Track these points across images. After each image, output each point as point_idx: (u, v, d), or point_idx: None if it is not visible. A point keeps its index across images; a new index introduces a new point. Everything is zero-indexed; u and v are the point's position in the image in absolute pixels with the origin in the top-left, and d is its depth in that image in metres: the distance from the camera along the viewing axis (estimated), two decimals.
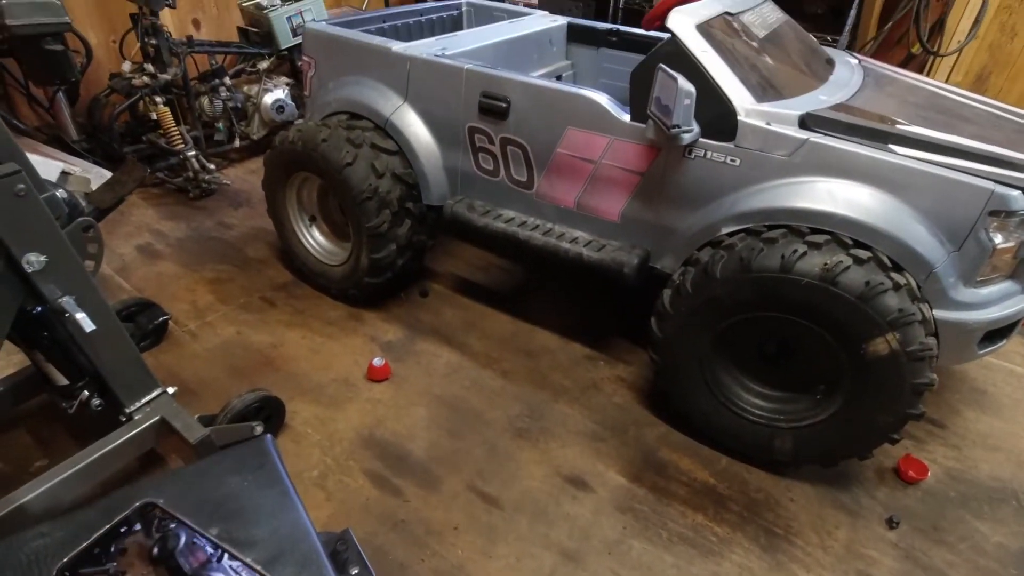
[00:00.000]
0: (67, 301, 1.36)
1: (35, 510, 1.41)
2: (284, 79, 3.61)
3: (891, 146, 1.57)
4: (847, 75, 1.99)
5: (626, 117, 1.80)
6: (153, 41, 2.98)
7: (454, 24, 3.07)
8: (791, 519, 1.71)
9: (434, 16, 2.97)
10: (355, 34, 2.30)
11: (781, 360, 1.75)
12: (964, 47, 3.37)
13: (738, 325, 1.67)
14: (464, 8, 3.11)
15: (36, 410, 1.83)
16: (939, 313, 1.59)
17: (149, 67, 2.99)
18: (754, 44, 1.81)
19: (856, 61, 2.20)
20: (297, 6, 3.45)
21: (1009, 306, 1.63)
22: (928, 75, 3.57)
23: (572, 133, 1.90)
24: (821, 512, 1.74)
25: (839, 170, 1.57)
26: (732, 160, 1.68)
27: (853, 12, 3.31)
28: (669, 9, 2.28)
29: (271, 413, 1.79)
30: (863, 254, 1.50)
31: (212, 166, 3.19)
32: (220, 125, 3.40)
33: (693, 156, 1.72)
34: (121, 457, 1.57)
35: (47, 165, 2.55)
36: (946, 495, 1.81)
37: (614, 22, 4.08)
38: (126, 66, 2.99)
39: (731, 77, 1.66)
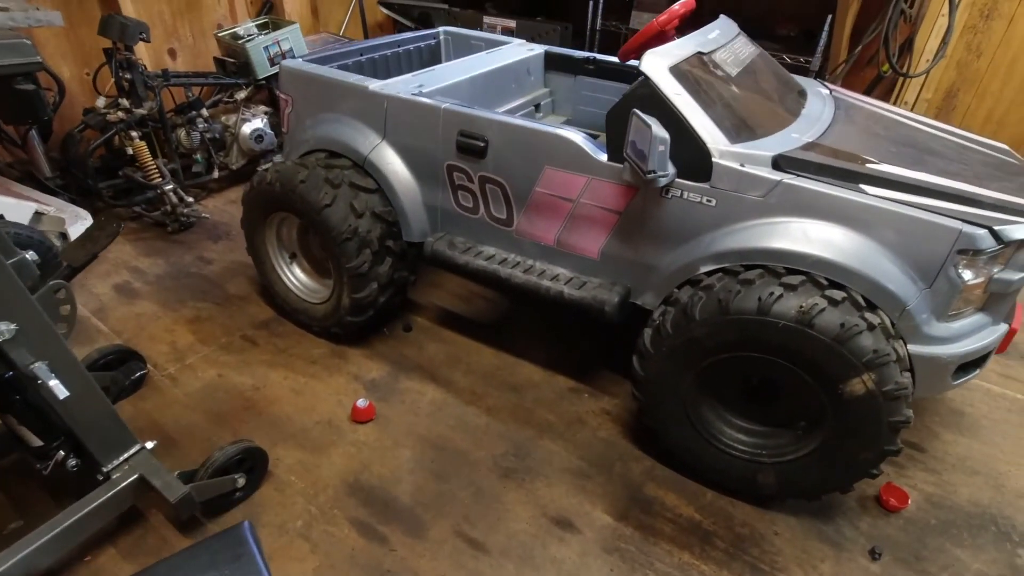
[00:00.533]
0: (39, 367, 1.34)
1: None
2: (262, 108, 3.59)
3: (862, 186, 1.60)
4: (819, 108, 2.02)
5: (603, 157, 1.82)
6: (128, 76, 2.96)
7: (431, 55, 3.08)
8: (776, 554, 1.72)
9: (411, 47, 2.97)
10: (332, 72, 2.29)
11: (763, 396, 1.77)
12: (932, 67, 3.44)
13: (719, 363, 1.69)
14: (442, 37, 3.12)
15: (8, 467, 1.79)
16: (913, 348, 1.61)
17: (124, 102, 2.96)
18: (728, 82, 1.84)
19: (827, 91, 2.24)
20: (274, 35, 3.43)
21: (981, 338, 1.66)
22: (899, 94, 3.65)
23: (550, 172, 1.91)
24: (805, 545, 1.75)
25: (812, 211, 1.60)
26: (708, 200, 1.70)
27: (824, 35, 3.37)
28: (643, 43, 2.31)
29: (253, 464, 1.77)
30: (838, 295, 1.53)
31: (191, 199, 3.16)
32: (199, 156, 3.37)
33: (670, 196, 1.74)
34: (99, 518, 1.54)
35: (20, 207, 2.50)
36: (927, 523, 1.84)
37: (591, 46, 4.13)
38: (100, 102, 2.95)
39: (705, 119, 1.68)
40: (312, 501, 1.79)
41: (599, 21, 4.06)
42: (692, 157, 1.67)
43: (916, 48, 3.58)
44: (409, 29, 4.72)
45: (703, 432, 1.81)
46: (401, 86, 2.18)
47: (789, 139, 1.74)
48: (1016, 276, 1.61)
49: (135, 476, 1.56)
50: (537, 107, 2.88)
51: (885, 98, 3.63)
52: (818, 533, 1.78)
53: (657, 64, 1.72)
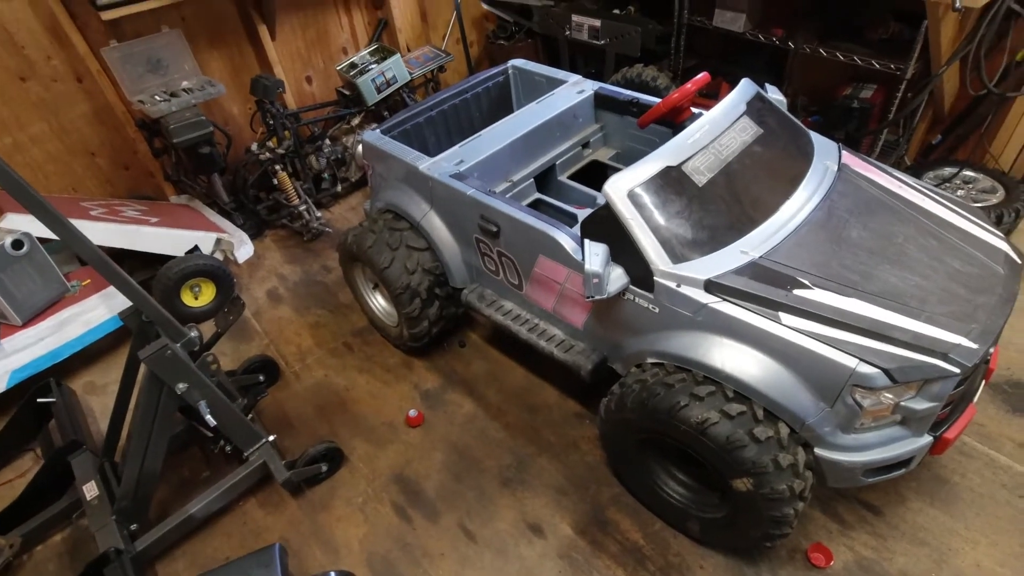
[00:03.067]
0: (201, 405, 2.24)
1: (198, 516, 2.41)
2: (373, 125, 4.28)
3: (780, 314, 1.82)
4: (800, 202, 2.14)
5: (580, 256, 2.20)
6: (271, 121, 3.82)
7: (501, 93, 3.47)
8: None
9: (480, 89, 3.39)
10: (396, 148, 2.84)
11: (694, 461, 2.15)
12: None
13: (653, 436, 2.10)
14: (510, 72, 3.48)
15: (201, 441, 2.86)
16: (820, 451, 1.88)
17: (270, 143, 3.85)
18: (691, 195, 2.06)
19: (834, 167, 2.29)
20: (379, 68, 4.04)
21: (892, 449, 1.85)
22: None
23: (542, 259, 2.35)
24: None
25: (731, 332, 1.88)
26: (653, 308, 2.04)
27: (920, 39, 3.06)
28: (660, 115, 2.54)
29: (334, 456, 2.63)
30: (736, 409, 1.84)
31: (319, 214, 4.05)
32: (326, 175, 4.22)
33: (626, 297, 2.11)
34: (244, 484, 2.51)
35: (207, 238, 3.55)
36: None
37: (678, 41, 4.10)
38: (254, 146, 3.86)
39: (652, 241, 1.98)
40: (370, 484, 2.62)
41: (685, 15, 4.00)
42: (641, 271, 2.01)
43: None
44: (508, 22, 5.00)
45: (648, 477, 2.26)
46: (444, 164, 2.68)
47: (734, 257, 1.97)
48: (924, 405, 1.76)
49: (261, 462, 2.49)
50: (586, 146, 3.18)
51: (1016, 88, 3.21)
52: (739, 574, 2.18)
53: (618, 189, 2.02)
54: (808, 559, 2.19)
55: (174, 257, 3.33)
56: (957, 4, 2.57)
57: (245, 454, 2.51)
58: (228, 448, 2.55)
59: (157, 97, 3.46)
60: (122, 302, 2.25)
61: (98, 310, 3.12)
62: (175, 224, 3.48)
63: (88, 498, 2.36)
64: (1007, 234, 3.31)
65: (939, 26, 2.88)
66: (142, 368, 2.16)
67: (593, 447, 2.64)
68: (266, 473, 2.52)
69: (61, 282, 3.15)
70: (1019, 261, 2.01)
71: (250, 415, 2.65)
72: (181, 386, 2.16)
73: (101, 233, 3.11)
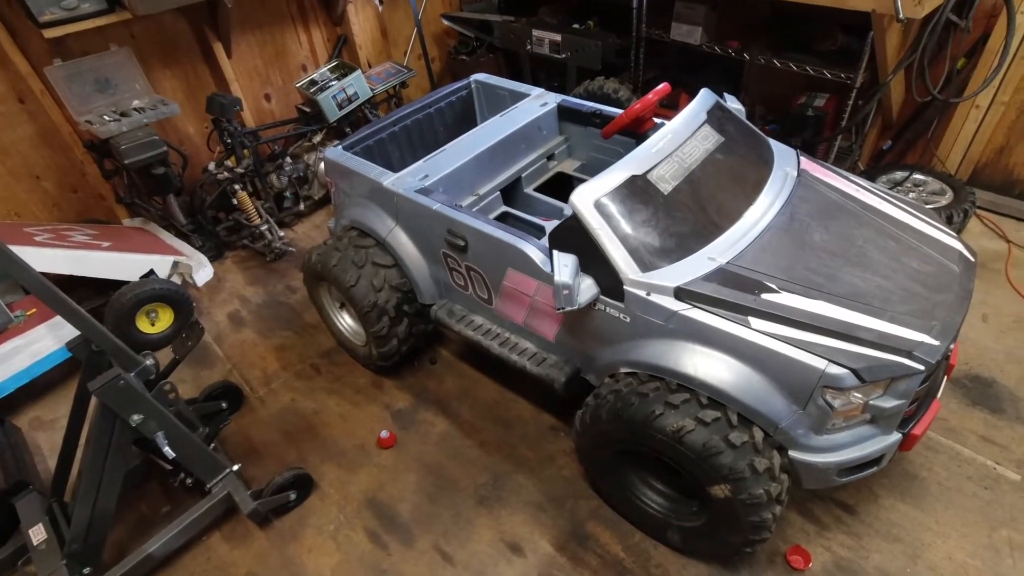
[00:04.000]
0: (159, 436, 2.13)
1: (157, 555, 2.27)
2: (335, 142, 4.22)
3: (750, 319, 1.83)
4: (763, 208, 2.17)
5: (549, 268, 2.18)
6: (228, 140, 3.72)
7: (465, 107, 3.46)
8: None
9: (444, 104, 3.38)
10: (359, 165, 2.79)
11: (672, 469, 2.14)
12: (980, 91, 3.13)
13: (629, 447, 2.08)
14: (474, 86, 3.47)
15: (159, 479, 2.72)
16: (794, 454, 1.89)
17: (228, 162, 3.75)
18: (657, 203, 2.07)
19: (793, 173, 2.33)
20: (340, 84, 3.99)
21: (863, 448, 1.87)
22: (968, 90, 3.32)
23: (511, 272, 2.32)
24: None
25: (702, 339, 1.88)
26: (624, 317, 2.03)
27: (867, 50, 3.18)
28: (623, 126, 2.55)
29: (303, 484, 2.53)
30: (711, 415, 1.83)
31: (282, 233, 3.95)
32: (288, 193, 4.13)
33: (597, 308, 2.09)
34: (207, 517, 2.38)
35: (163, 261, 3.41)
36: None
37: (637, 54, 4.18)
38: (211, 165, 3.75)
39: (620, 250, 1.98)
40: (342, 510, 2.53)
41: (644, 29, 4.07)
42: (611, 281, 2.00)
43: (989, 48, 3.26)
44: (469, 38, 5.02)
45: (627, 488, 2.24)
46: (408, 179, 2.64)
47: (701, 264, 1.98)
48: (892, 403, 1.79)
49: (224, 493, 2.38)
50: (550, 158, 3.19)
51: (958, 94, 3.35)
52: None
53: (585, 199, 2.02)
54: (787, 562, 2.19)
55: (128, 282, 3.19)
56: (900, 16, 2.68)
57: (208, 486, 2.39)
58: (189, 480, 2.42)
59: (106, 117, 3.33)
60: (71, 332, 2.13)
61: (45, 341, 2.95)
62: (128, 248, 3.34)
63: (35, 542, 2.20)
64: (957, 233, 3.44)
65: (884, 37, 2.99)
66: (93, 400, 2.04)
67: (570, 460, 2.61)
68: (231, 505, 2.40)
69: (4, 312, 2.96)
70: (972, 259, 2.08)
71: (212, 444, 2.53)
72: (136, 418, 2.05)
73: (47, 260, 2.96)
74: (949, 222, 3.32)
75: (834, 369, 1.71)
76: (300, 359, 3.25)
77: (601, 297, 2.05)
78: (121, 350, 2.05)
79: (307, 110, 4.08)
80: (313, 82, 4.10)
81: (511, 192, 3.03)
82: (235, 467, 2.45)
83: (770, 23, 3.77)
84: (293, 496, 2.49)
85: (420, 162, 2.76)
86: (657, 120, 2.70)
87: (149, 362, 2.16)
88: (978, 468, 2.43)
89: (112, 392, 1.95)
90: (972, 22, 3.07)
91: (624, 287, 1.97)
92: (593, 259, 2.00)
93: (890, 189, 3.53)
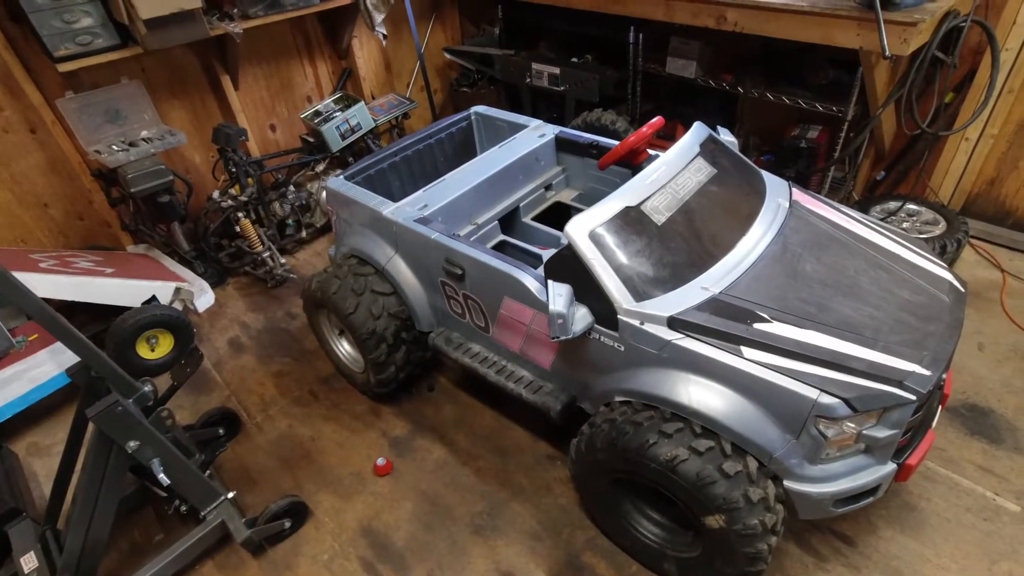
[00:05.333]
0: (154, 463, 2.13)
1: None
2: (337, 171, 4.30)
3: (742, 348, 1.85)
4: (755, 239, 2.21)
5: (544, 297, 2.21)
6: (233, 169, 3.80)
7: (464, 138, 3.54)
8: None
9: (444, 135, 3.45)
10: (359, 194, 2.85)
11: (667, 499, 2.13)
12: (968, 126, 3.20)
13: (623, 476, 2.08)
14: (473, 118, 3.56)
15: (155, 501, 2.71)
16: (789, 484, 1.88)
17: (232, 191, 3.82)
18: (651, 233, 2.11)
19: (785, 204, 2.38)
20: (344, 115, 4.08)
21: (859, 478, 1.87)
22: (956, 124, 3.38)
23: (508, 301, 2.35)
24: None
25: (695, 368, 1.90)
26: (619, 346, 2.05)
27: (858, 83, 3.26)
28: (618, 158, 2.61)
29: (297, 512, 2.52)
30: (704, 445, 1.84)
31: (283, 260, 3.99)
32: (290, 221, 4.19)
33: (592, 336, 2.11)
34: (201, 545, 2.37)
35: (165, 287, 3.45)
36: None
37: (634, 88, 4.27)
38: (215, 194, 3.82)
39: (615, 279, 2.01)
40: (336, 539, 2.51)
41: (640, 63, 4.18)
42: (605, 310, 2.03)
43: (976, 84, 3.34)
44: (471, 71, 5.15)
45: (623, 518, 2.22)
46: (407, 209, 2.69)
47: (694, 294, 2.01)
48: (885, 433, 1.80)
49: (219, 520, 2.36)
50: (548, 188, 3.24)
51: (948, 127, 3.42)
52: None
53: (580, 230, 2.06)
54: None
55: (130, 308, 3.22)
56: (887, 53, 2.76)
57: (202, 513, 2.38)
58: (184, 508, 2.42)
59: (115, 147, 3.41)
60: (71, 358, 2.15)
61: (45, 366, 2.97)
62: (131, 274, 3.38)
63: (26, 571, 2.19)
64: (950, 263, 3.47)
65: (873, 72, 3.08)
66: (90, 426, 2.05)
67: (566, 489, 2.59)
68: (225, 533, 2.39)
69: (6, 337, 2.99)
70: (962, 289, 2.11)
71: (208, 471, 2.53)
72: (132, 444, 2.06)
73: (50, 286, 3.00)
74: (943, 252, 3.35)
75: (826, 399, 1.72)
76: (298, 385, 3.25)
77: (596, 326, 2.08)
78: (120, 376, 2.07)
79: (311, 140, 4.16)
80: (318, 113, 4.19)
81: (509, 221, 3.07)
82: (230, 494, 2.44)
83: (762, 57, 3.87)
84: (288, 524, 2.47)
85: (420, 192, 2.82)
86: (652, 152, 2.76)
87: (147, 388, 2.18)
88: (977, 499, 2.41)
89: (109, 418, 1.96)
90: (958, 59, 3.16)
91: (618, 316, 2.00)
92: (588, 288, 2.03)
93: (884, 219, 3.58)
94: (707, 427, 1.88)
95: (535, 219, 3.11)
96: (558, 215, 3.17)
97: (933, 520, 2.36)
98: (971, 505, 2.39)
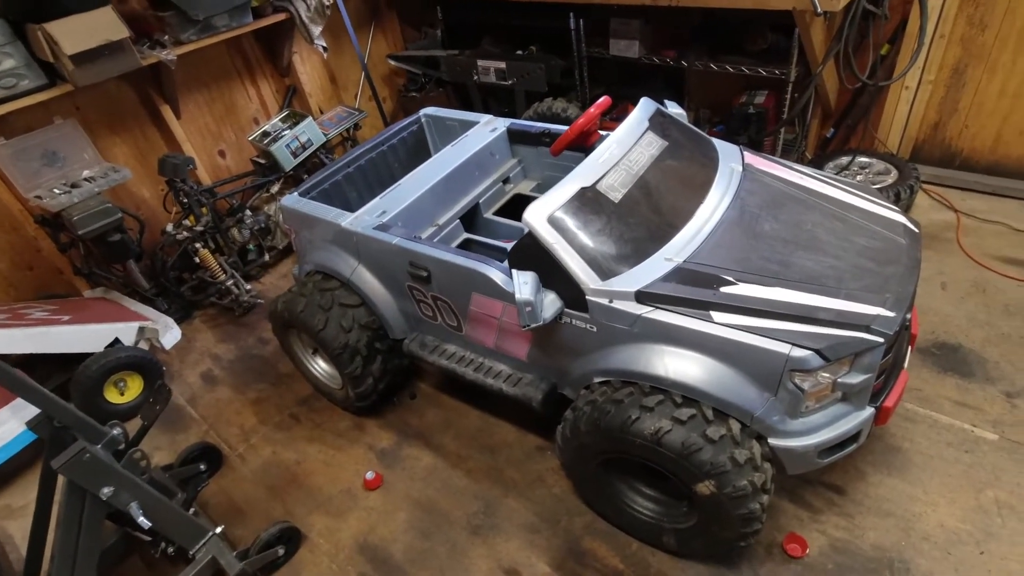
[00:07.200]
0: (133, 507, 2.06)
1: None
2: (292, 189, 4.22)
3: (711, 313, 1.86)
4: (713, 205, 2.22)
5: (512, 288, 2.19)
6: (184, 199, 3.70)
7: (417, 142, 3.50)
8: None
9: (396, 140, 3.41)
10: (316, 209, 2.79)
11: (658, 474, 2.13)
12: (904, 74, 3.28)
13: (612, 456, 2.08)
14: (423, 120, 3.52)
15: (141, 547, 2.62)
16: (774, 441, 1.90)
17: (186, 222, 3.72)
18: (609, 211, 2.11)
19: (738, 168, 2.40)
20: (292, 133, 4.01)
21: (840, 426, 1.90)
22: (895, 73, 3.45)
23: (476, 297, 2.33)
24: None
25: (668, 338, 1.90)
26: (591, 327, 2.04)
27: (796, 45, 3.31)
28: (569, 142, 2.61)
29: (291, 537, 2.46)
30: (686, 413, 1.85)
31: (248, 286, 3.91)
32: (251, 246, 4.10)
33: (563, 321, 2.11)
34: None
35: (128, 329, 3.34)
36: (824, 568, 2.13)
37: (581, 74, 4.29)
38: (169, 227, 3.72)
39: (578, 261, 2.00)
40: (334, 560, 2.46)
41: (584, 48, 4.19)
42: (572, 293, 2.02)
43: (908, 32, 3.42)
44: (417, 75, 5.11)
45: (617, 498, 2.22)
46: (366, 217, 2.65)
47: (659, 266, 2.01)
48: (859, 378, 1.82)
49: (209, 557, 2.30)
50: (506, 182, 3.23)
51: (887, 78, 3.49)
52: None
53: (538, 216, 2.04)
54: (785, 551, 2.18)
55: (92, 354, 3.12)
56: (818, 10, 2.81)
57: (191, 552, 2.30)
58: (171, 549, 2.34)
59: (56, 190, 3.29)
60: (34, 411, 2.06)
61: (8, 424, 2.85)
62: (90, 319, 3.27)
63: None
64: (906, 209, 3.56)
65: (809, 32, 3.13)
66: (61, 479, 1.97)
67: (559, 478, 2.58)
68: (217, 569, 2.32)
69: None
70: (916, 230, 2.15)
71: (192, 509, 2.46)
72: (106, 490, 1.98)
73: (4, 341, 2.88)
74: (897, 199, 3.43)
75: (798, 352, 1.74)
76: (278, 410, 3.19)
77: (566, 310, 2.07)
78: (85, 423, 1.99)
79: (262, 161, 4.08)
80: (266, 133, 4.11)
81: (472, 218, 3.05)
82: (218, 529, 2.37)
83: (702, 30, 3.91)
84: (281, 551, 2.41)
85: (376, 199, 2.77)
86: (603, 132, 2.76)
87: (116, 431, 2.10)
88: (956, 433, 2.47)
89: (78, 467, 1.88)
90: (888, 9, 3.23)
91: (586, 297, 1.99)
92: (553, 274, 2.02)
93: (837, 173, 3.65)
94: (687, 396, 1.88)
95: (496, 214, 3.10)
96: (519, 207, 3.15)
97: (917, 459, 2.40)
98: (951, 440, 2.45)
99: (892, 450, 2.45)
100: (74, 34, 3.02)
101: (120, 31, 3.14)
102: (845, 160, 3.72)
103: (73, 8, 3.04)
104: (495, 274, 2.22)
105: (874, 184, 3.57)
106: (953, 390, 2.63)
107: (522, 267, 2.05)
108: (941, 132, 3.77)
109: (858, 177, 3.69)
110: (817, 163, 3.77)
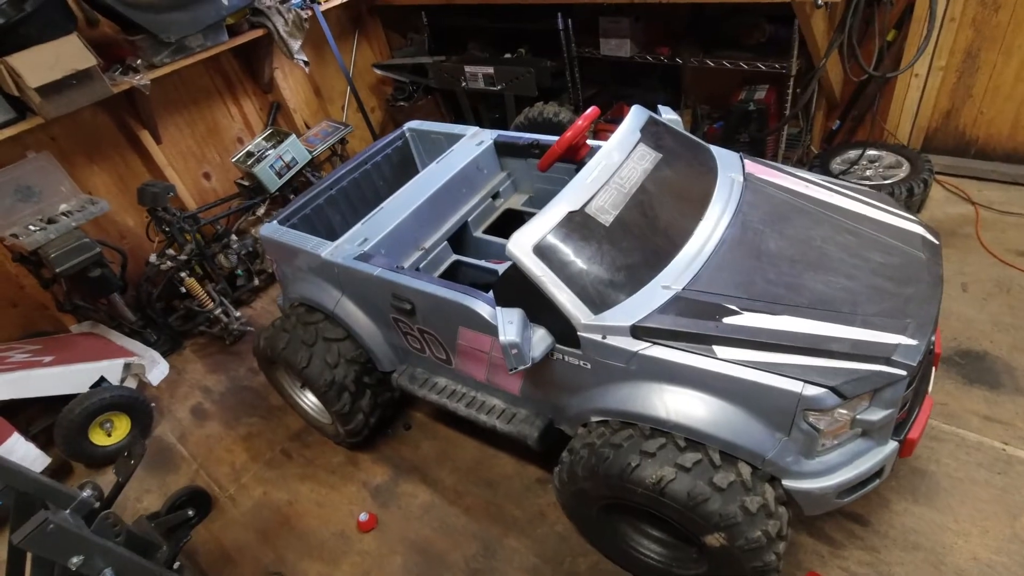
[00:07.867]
0: (107, 573, 1.94)
1: None
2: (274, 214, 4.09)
3: (714, 347, 1.71)
4: (713, 221, 2.06)
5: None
6: (166, 228, 3.58)
7: (402, 157, 3.35)
8: None
9: (380, 158, 3.27)
10: (295, 239, 2.65)
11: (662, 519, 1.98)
12: (911, 65, 3.08)
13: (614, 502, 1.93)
14: (408, 134, 3.37)
15: None
16: (788, 483, 1.74)
17: (170, 251, 3.60)
18: (600, 236, 1.95)
19: (739, 178, 2.23)
20: (276, 152, 3.88)
21: (860, 464, 1.74)
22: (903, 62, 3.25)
23: (464, 331, 2.18)
24: None
25: (668, 376, 1.75)
26: (584, 364, 1.89)
27: (796, 37, 3.12)
28: (558, 156, 2.45)
29: None
30: (691, 459, 1.69)
31: (238, 313, 3.79)
32: (240, 271, 3.98)
33: (555, 357, 1.96)
34: None
35: (113, 366, 3.23)
36: None
37: (572, 75, 4.11)
38: (152, 258, 3.60)
39: (568, 294, 1.84)
40: None
41: (574, 49, 4.02)
42: (563, 328, 1.87)
43: (916, 17, 3.21)
44: (405, 83, 4.95)
45: (622, 541, 2.08)
46: (346, 247, 2.50)
47: (656, 295, 1.85)
48: (880, 414, 1.66)
49: None
50: (495, 197, 3.08)
51: (894, 67, 3.29)
52: None
53: (523, 246, 1.89)
54: None
55: (77, 396, 3.01)
56: (818, 1, 2.62)
57: None
58: None
59: (32, 227, 3.18)
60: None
61: None
62: (73, 359, 3.16)
63: None
64: (920, 204, 3.36)
65: (809, 23, 2.94)
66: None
67: (561, 515, 2.43)
68: None
69: None
70: (936, 241, 1.98)
71: (177, 563, 2.34)
72: (75, 560, 1.86)
73: None
74: (911, 194, 3.23)
75: (811, 390, 1.58)
76: (269, 446, 3.07)
77: (557, 346, 1.92)
78: (49, 488, 1.87)
79: (247, 183, 3.96)
80: (249, 154, 3.98)
81: (461, 238, 2.91)
82: None
83: (695, 25, 3.73)
84: None
85: (358, 225, 2.63)
86: (594, 143, 2.60)
87: (86, 493, 1.99)
88: (987, 452, 2.29)
89: (40, 539, 1.76)
90: None
91: (578, 333, 1.84)
92: (542, 308, 1.87)
93: (846, 169, 3.46)
94: (691, 439, 1.73)
95: (487, 231, 2.95)
96: (511, 223, 3.00)
97: (945, 483, 2.24)
98: (982, 460, 2.27)
99: (917, 474, 2.28)
100: (38, 66, 2.90)
101: (87, 59, 3.01)
102: (854, 154, 3.52)
103: (36, 38, 2.91)
104: (481, 307, 2.07)
105: (885, 179, 3.37)
106: (981, 403, 2.45)
107: (508, 301, 1.90)
108: (954, 120, 3.56)
109: (868, 172, 3.49)
110: (824, 158, 3.57)
